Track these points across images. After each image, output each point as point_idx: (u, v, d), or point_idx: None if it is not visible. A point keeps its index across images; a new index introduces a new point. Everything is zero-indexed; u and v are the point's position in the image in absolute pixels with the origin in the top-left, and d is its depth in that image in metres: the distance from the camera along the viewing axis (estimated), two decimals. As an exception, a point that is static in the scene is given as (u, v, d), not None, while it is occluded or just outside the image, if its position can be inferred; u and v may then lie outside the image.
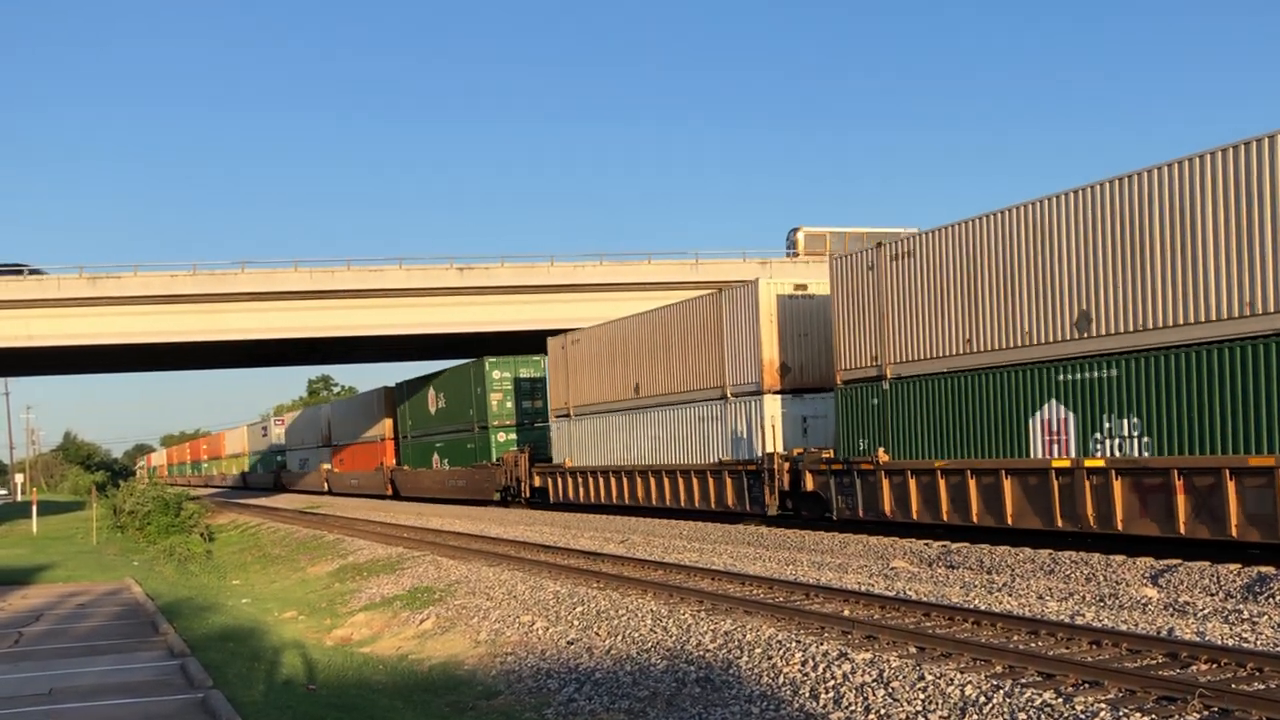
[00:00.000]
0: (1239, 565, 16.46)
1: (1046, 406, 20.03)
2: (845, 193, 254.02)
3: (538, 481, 40.92)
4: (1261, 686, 10.18)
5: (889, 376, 23.65)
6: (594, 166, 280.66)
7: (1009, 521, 20.58)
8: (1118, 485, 18.60)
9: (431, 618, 18.87)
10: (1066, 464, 19.50)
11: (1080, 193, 19.33)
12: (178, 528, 42.11)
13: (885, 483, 23.59)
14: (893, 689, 10.80)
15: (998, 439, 21.00)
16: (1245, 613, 13.90)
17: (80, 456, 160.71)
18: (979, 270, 21.40)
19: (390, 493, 57.89)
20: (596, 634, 15.29)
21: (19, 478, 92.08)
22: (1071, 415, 19.61)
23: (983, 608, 14.99)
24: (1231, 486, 16.71)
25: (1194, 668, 11.04)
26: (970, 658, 11.91)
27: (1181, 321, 17.51)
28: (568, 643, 15.12)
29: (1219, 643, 12.15)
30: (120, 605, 20.69)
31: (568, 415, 38.73)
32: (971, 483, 21.40)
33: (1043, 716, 9.51)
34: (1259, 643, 12.31)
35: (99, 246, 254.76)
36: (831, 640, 13.23)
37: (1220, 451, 16.95)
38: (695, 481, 30.83)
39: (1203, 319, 17.10)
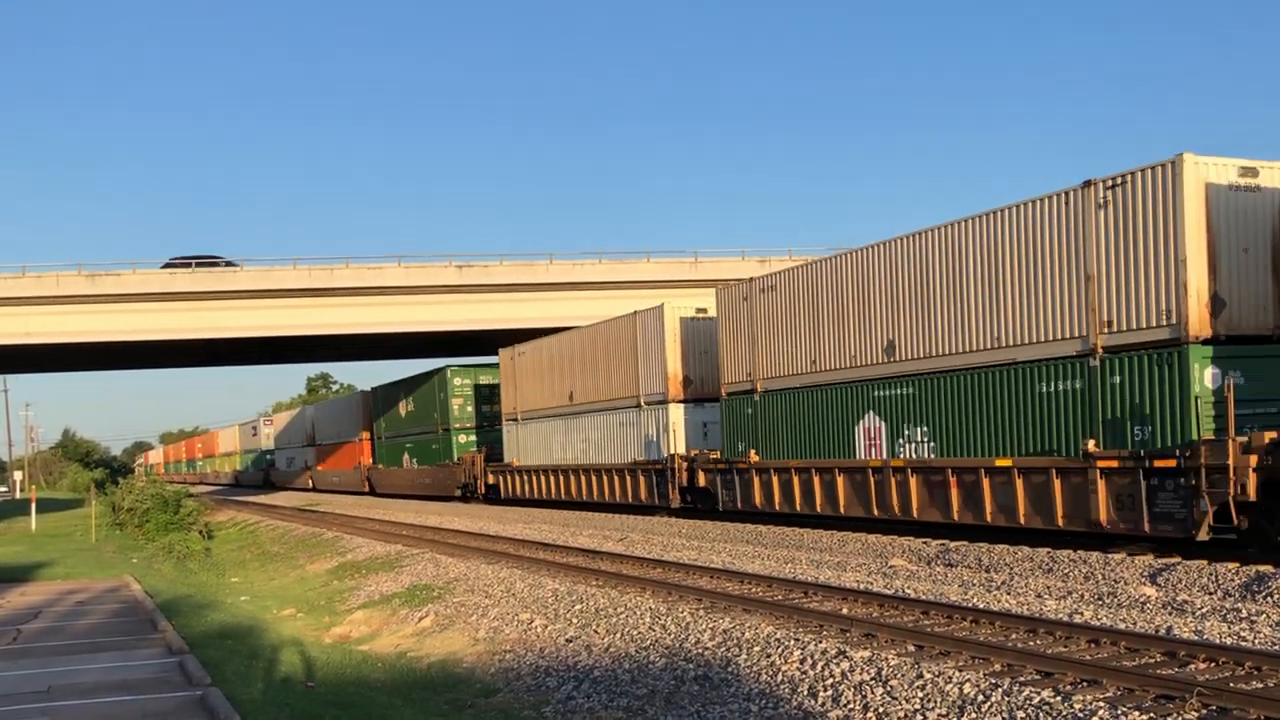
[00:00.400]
0: (1237, 564, 16.46)
1: (866, 417, 24.73)
2: (845, 191, 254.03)
3: (491, 479, 44.93)
4: (1260, 685, 10.18)
5: (759, 390, 28.18)
6: (594, 165, 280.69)
7: (841, 511, 25.08)
8: (913, 481, 23.06)
9: (430, 615, 18.88)
10: (879, 463, 24.08)
11: (887, 245, 23.82)
12: (176, 525, 42.11)
13: (756, 479, 28.18)
14: (891, 687, 10.81)
15: (835, 443, 25.55)
16: (1244, 611, 13.91)
17: (79, 454, 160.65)
18: (819, 303, 26.11)
19: (367, 489, 61.48)
20: (595, 632, 15.29)
21: (18, 475, 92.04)
22: (884, 424, 24.29)
23: (981, 606, 15.00)
24: (986, 482, 21.21)
25: (1192, 666, 11.05)
26: (969, 656, 11.91)
27: (955, 351, 22.02)
28: (566, 640, 15.13)
29: (1217, 641, 12.15)
30: (119, 603, 20.69)
31: (516, 419, 42.81)
32: (815, 479, 26.00)
33: (1041, 715, 9.52)
34: (1257, 641, 12.31)
35: (97, 244, 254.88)
36: (830, 638, 13.24)
37: (979, 454, 21.45)
38: (616, 478, 35.11)
39: (968, 349, 21.65)
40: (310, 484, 72.52)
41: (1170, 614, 14.22)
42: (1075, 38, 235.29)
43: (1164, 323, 17.82)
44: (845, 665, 11.65)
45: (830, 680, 11.34)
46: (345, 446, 65.39)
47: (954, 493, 21.73)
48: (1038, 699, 9.87)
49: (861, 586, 17.41)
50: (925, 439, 22.64)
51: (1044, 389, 20.01)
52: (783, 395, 27.16)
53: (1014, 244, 20.47)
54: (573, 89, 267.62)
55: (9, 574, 26.51)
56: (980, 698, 10.11)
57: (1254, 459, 16.56)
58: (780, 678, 11.75)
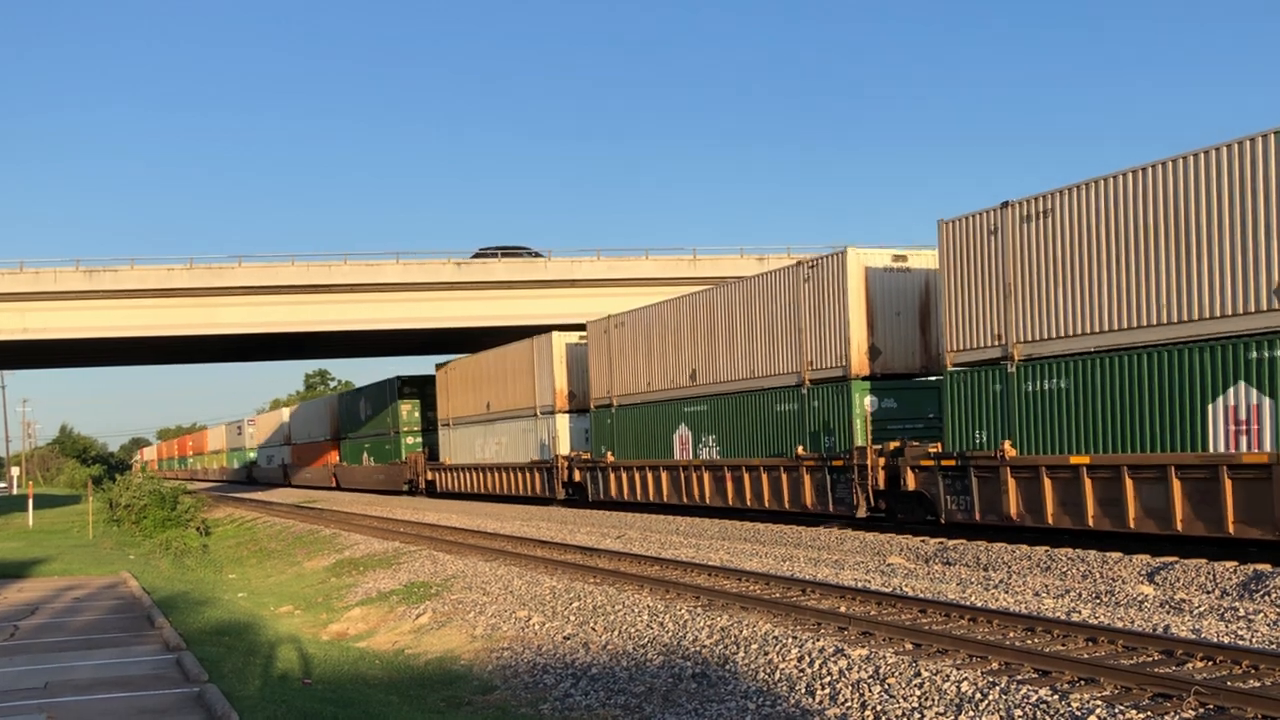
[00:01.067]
0: (1235, 563, 16.49)
1: (679, 427, 31.86)
2: (845, 191, 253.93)
3: (430, 475, 52.55)
4: (1257, 684, 10.19)
5: (615, 404, 35.18)
6: (594, 162, 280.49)
7: (665, 499, 32.50)
8: (706, 475, 30.85)
9: (428, 612, 18.87)
10: (685, 462, 31.54)
11: (690, 299, 30.08)
12: (174, 522, 42.08)
13: (612, 475, 35.18)
14: (889, 685, 10.81)
15: (660, 446, 33.24)
16: (1241, 610, 13.92)
17: (76, 450, 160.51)
18: (650, 338, 33.88)
19: (334, 484, 67.75)
20: (593, 629, 15.29)
21: (15, 471, 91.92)
22: (690, 432, 31.61)
23: (979, 604, 15.00)
24: (747, 476, 28.87)
25: (1190, 665, 11.05)
26: (966, 654, 11.91)
27: (731, 378, 29.07)
28: (564, 638, 15.12)
29: (1215, 640, 12.16)
30: (116, 599, 20.67)
31: (449, 424, 50.40)
32: (649, 474, 33.91)
33: (1038, 713, 9.52)
34: (1255, 640, 12.32)
35: (95, 240, 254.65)
36: (828, 636, 13.24)
37: (746, 455, 29.10)
38: (519, 475, 42.79)
39: (736, 378, 28.11)
40: (285, 478, 79.96)
41: (1168, 613, 14.23)
42: (1076, 38, 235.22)
43: (839, 365, 25.28)
44: (843, 663, 11.65)
45: (828, 678, 11.34)
46: (316, 445, 72.02)
47: (729, 484, 29.13)
48: (1035, 697, 9.87)
49: (859, 584, 17.41)
50: (714, 444, 30.06)
51: (777, 409, 27.47)
52: (630, 409, 34.54)
53: (760, 302, 28.30)
54: (572, 85, 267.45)
55: (6, 570, 26.49)
56: (978, 696, 10.11)
57: (882, 460, 23.54)
58: (778, 675, 11.75)
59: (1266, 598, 14.62)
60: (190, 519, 43.90)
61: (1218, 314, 16.93)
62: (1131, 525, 18.08)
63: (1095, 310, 18.89)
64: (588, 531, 30.01)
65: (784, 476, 26.79)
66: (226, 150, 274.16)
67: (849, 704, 10.59)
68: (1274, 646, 11.91)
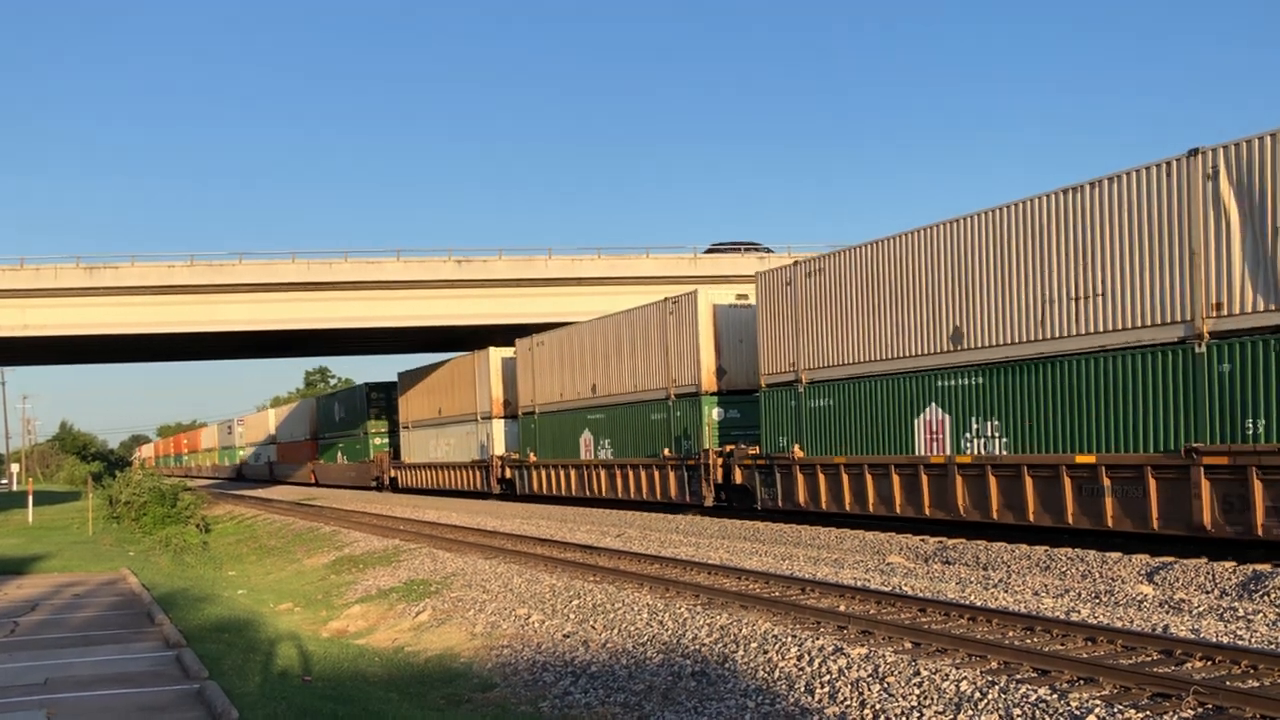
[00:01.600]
0: (1234, 563, 16.50)
1: (584, 432, 37.17)
2: (845, 190, 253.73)
3: (393, 473, 58.18)
4: (1256, 684, 10.20)
5: (536, 412, 41.29)
6: (593, 160, 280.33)
7: (575, 490, 38.08)
8: (603, 473, 35.80)
9: (427, 610, 18.88)
10: (591, 461, 36.73)
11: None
12: (174, 518, 42.05)
13: (533, 473, 40.98)
14: (888, 684, 10.82)
15: (569, 448, 38.86)
16: (1240, 610, 13.93)
17: (76, 447, 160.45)
18: (561, 357, 39.60)
19: (313, 480, 73.01)
20: (593, 627, 15.29)
21: (15, 467, 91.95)
22: (590, 436, 36.85)
23: (978, 604, 15.01)
24: (631, 474, 33.98)
25: (1189, 665, 11.06)
26: (966, 653, 11.92)
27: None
28: (564, 636, 15.13)
29: (1214, 640, 12.16)
30: (116, 596, 20.68)
31: (409, 427, 56.03)
32: (562, 473, 39.39)
33: (1037, 712, 9.52)
34: (1254, 640, 12.33)
35: (96, 237, 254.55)
36: (827, 635, 13.25)
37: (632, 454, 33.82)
38: (463, 472, 48.43)
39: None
40: (270, 474, 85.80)
41: (1167, 612, 14.24)
42: (1074, 36, 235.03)
43: (693, 382, 30.77)
44: (842, 662, 11.66)
45: (827, 677, 11.35)
46: (298, 445, 77.90)
47: (619, 480, 34.68)
48: (1034, 696, 9.88)
49: (859, 583, 17.42)
50: (609, 446, 35.55)
51: (652, 417, 32.99)
52: (547, 416, 39.81)
53: (641, 329, 33.65)
54: (572, 82, 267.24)
55: (6, 566, 26.50)
56: (977, 695, 10.12)
57: (720, 460, 29.14)
58: (777, 674, 11.76)
59: (1266, 598, 14.63)
60: (190, 516, 43.88)
61: (919, 353, 22.71)
62: (870, 510, 23.80)
63: (849, 347, 24.69)
64: (588, 529, 30.04)
65: (655, 473, 32.38)
66: (227, 147, 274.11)
67: (848, 703, 10.60)
68: (1273, 646, 11.91)
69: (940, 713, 9.94)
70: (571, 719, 11.59)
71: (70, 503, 64.16)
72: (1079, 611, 14.40)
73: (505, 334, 47.85)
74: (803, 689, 11.17)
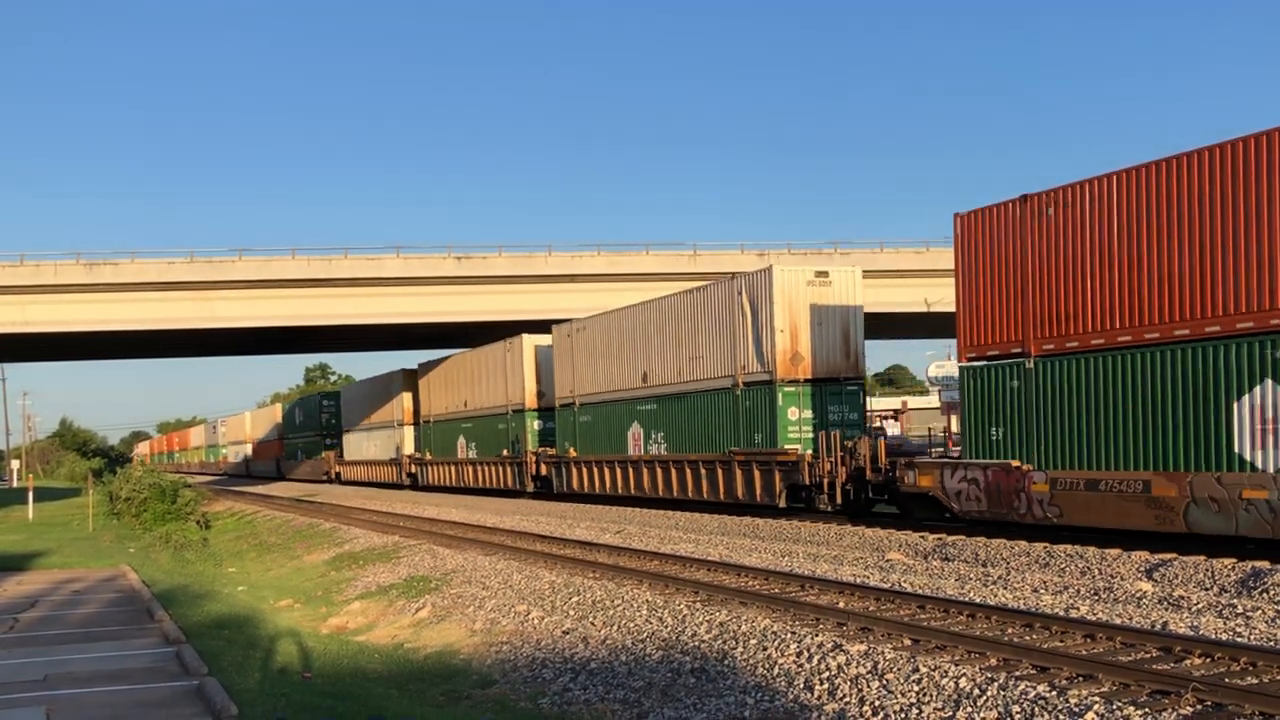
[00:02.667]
0: (1233, 560, 16.51)
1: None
2: (844, 191, 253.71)
3: (337, 469, 68.80)
4: (1255, 681, 10.20)
5: (429, 420, 50.97)
6: (593, 158, 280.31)
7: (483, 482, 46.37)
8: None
9: (427, 606, 18.88)
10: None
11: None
12: (174, 515, 42.07)
13: (431, 470, 49.99)
14: (887, 681, 10.82)
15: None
16: (1239, 607, 13.93)
17: (76, 443, 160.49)
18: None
19: (278, 474, 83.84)
20: (592, 624, 15.30)
21: (15, 464, 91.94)
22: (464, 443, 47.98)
23: (978, 600, 15.01)
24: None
25: (1188, 662, 11.06)
26: (965, 650, 11.92)
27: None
28: (563, 632, 15.14)
29: (1213, 637, 12.17)
30: (116, 592, 20.69)
31: (351, 429, 65.37)
32: (470, 468, 47.55)
33: (1036, 709, 9.53)
34: (1253, 637, 12.34)
35: (96, 233, 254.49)
36: (827, 632, 13.25)
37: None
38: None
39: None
40: (246, 470, 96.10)
41: (1166, 609, 14.24)
42: (1075, 37, 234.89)
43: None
44: (841, 659, 11.66)
45: (826, 673, 11.35)
46: (269, 444, 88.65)
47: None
48: (1033, 693, 9.88)
49: (858, 580, 17.42)
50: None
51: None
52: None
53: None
54: (572, 80, 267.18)
55: (6, 563, 26.50)
56: (976, 692, 10.12)
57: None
58: (776, 671, 11.76)
59: (1265, 595, 14.63)
60: (190, 512, 43.90)
61: (627, 387, 33.83)
62: (608, 490, 34.97)
63: (598, 381, 34.77)
64: (586, 526, 30.03)
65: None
66: (227, 143, 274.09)
67: (847, 699, 10.60)
68: (1272, 644, 11.92)
69: (939, 709, 9.94)
70: (571, 715, 11.60)
71: (70, 499, 64.18)
72: (1078, 608, 14.41)
73: (505, 330, 47.81)
74: (802, 686, 11.17)
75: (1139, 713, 9.25)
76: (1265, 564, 15.92)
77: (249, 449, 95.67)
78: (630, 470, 33.98)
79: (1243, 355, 16.66)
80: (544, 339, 41.60)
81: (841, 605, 15.09)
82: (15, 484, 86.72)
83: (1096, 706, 9.38)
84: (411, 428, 55.37)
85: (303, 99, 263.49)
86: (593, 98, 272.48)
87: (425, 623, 17.89)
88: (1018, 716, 9.50)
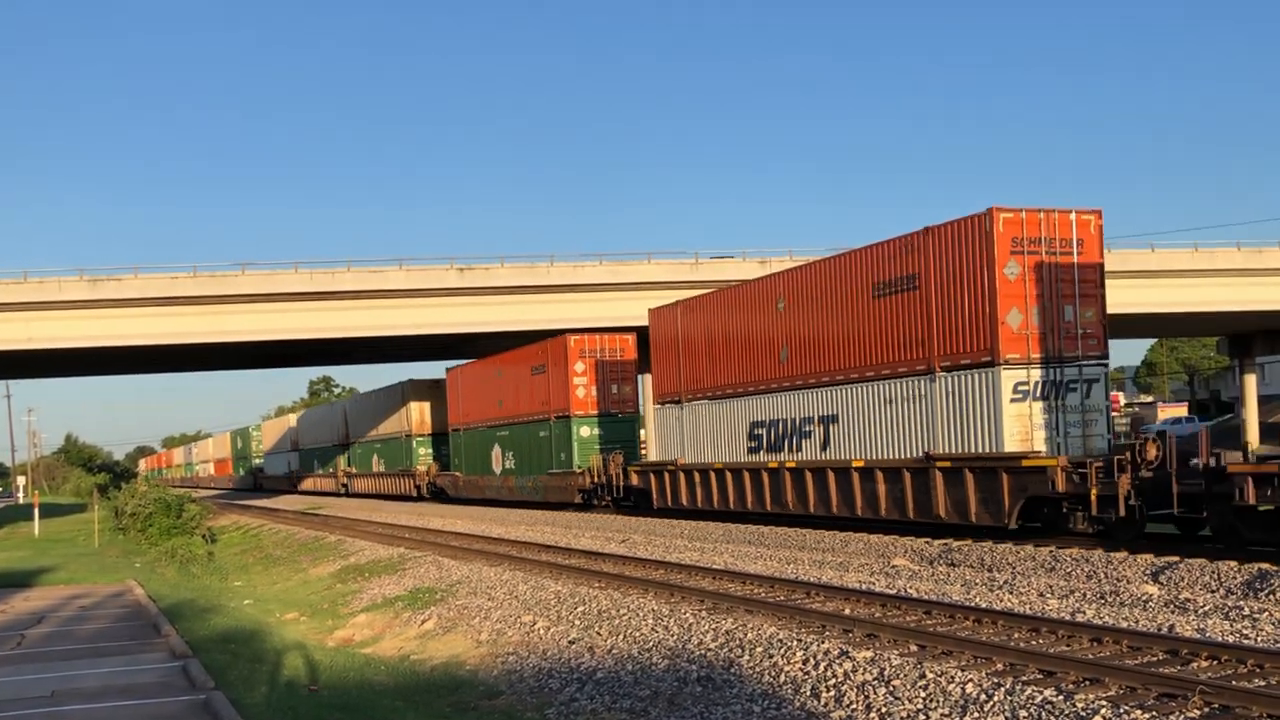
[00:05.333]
0: (1238, 562, 16.49)
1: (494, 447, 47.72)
2: (843, 189, 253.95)
3: (259, 483, 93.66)
4: (1262, 683, 10.19)
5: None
6: (594, 164, 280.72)
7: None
8: None
9: (433, 618, 18.89)
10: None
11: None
12: (179, 529, 42.08)
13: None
14: (894, 687, 10.82)
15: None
16: (1246, 609, 13.92)
17: (82, 459, 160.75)
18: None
19: (233, 488, 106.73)
20: (598, 634, 15.30)
21: (21, 480, 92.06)
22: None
23: (984, 605, 15.01)
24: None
25: (1195, 664, 11.06)
26: (971, 655, 11.92)
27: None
28: (569, 642, 15.14)
29: (1220, 639, 12.16)
30: (123, 607, 20.71)
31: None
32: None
33: (1043, 714, 9.52)
34: (1259, 639, 12.32)
35: (99, 249, 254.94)
36: (833, 639, 13.24)
37: None
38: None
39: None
40: (213, 485, 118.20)
41: (1172, 612, 14.23)
42: (1075, 35, 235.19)
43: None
44: (848, 665, 11.66)
45: (833, 680, 11.35)
46: (224, 462, 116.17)
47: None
48: (1040, 698, 9.88)
49: (864, 587, 17.42)
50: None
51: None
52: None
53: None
54: (573, 87, 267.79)
55: (13, 579, 26.53)
56: (983, 697, 10.12)
57: None
58: (783, 678, 11.76)
59: (1271, 596, 14.62)
60: (196, 526, 43.93)
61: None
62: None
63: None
64: (592, 536, 30.03)
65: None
66: (230, 157, 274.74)
67: (854, 706, 10.60)
68: (1279, 645, 11.90)
69: (946, 715, 9.94)
70: (578, 725, 11.59)
71: (76, 515, 64.22)
72: (1084, 612, 14.40)
73: (508, 341, 47.88)
74: (808, 693, 11.17)
75: (1146, 716, 9.24)
76: (1271, 566, 15.90)
77: (211, 466, 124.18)
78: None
79: (493, 431, 36.74)
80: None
81: (847, 612, 15.09)
82: (21, 500, 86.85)
83: (1104, 710, 9.38)
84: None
85: (304, 110, 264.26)
86: (595, 105, 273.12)
87: (431, 634, 17.90)
88: (1024, 721, 9.50)
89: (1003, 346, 20.92)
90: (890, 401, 23.71)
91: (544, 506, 41.03)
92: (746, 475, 28.61)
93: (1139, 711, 9.34)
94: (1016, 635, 13.01)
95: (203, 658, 14.43)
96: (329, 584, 26.79)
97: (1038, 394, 21.06)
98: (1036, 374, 21.11)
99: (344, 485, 67.84)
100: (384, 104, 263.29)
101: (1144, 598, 15.19)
